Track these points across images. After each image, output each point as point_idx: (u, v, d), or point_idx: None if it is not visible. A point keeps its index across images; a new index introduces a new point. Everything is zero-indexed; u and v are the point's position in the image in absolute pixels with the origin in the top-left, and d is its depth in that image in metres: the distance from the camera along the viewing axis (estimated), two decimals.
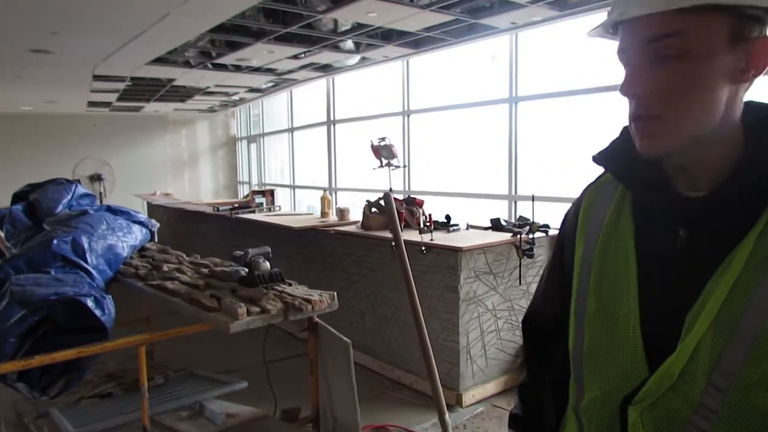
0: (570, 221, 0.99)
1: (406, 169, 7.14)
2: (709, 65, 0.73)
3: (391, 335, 4.07)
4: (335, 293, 2.53)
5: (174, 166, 12.81)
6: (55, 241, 2.82)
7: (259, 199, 7.82)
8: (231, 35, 5.98)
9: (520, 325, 1.13)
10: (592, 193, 0.96)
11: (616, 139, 0.92)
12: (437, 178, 7.18)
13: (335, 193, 9.02)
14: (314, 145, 9.73)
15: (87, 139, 11.44)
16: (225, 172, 13.49)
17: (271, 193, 8.47)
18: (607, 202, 0.92)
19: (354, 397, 2.48)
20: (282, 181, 11.24)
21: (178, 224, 7.39)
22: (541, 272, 3.91)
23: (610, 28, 0.82)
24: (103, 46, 6.01)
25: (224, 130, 13.45)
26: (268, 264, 2.64)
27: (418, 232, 3.66)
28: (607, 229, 0.89)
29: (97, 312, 2.41)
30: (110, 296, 2.58)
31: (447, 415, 2.56)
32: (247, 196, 9.72)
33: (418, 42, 6.34)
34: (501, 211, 5.97)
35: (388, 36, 6.20)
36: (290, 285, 2.68)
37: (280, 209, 6.46)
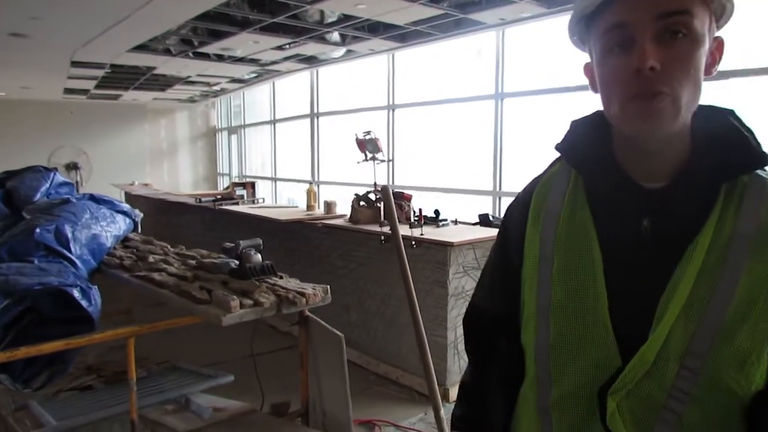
0: (517, 216, 0.97)
1: (391, 163, 7.12)
2: (703, 49, 0.78)
3: (377, 330, 4.05)
4: (328, 287, 2.50)
5: (152, 157, 12.59)
6: (37, 230, 2.73)
7: (239, 191, 7.73)
8: (216, 24, 5.88)
9: (462, 323, 1.10)
10: (543, 186, 0.95)
11: (574, 132, 0.94)
12: (421, 173, 7.18)
13: (318, 186, 8.96)
14: (297, 137, 9.65)
15: (63, 127, 11.17)
16: (204, 164, 13.30)
17: (252, 185, 8.36)
18: (560, 192, 0.92)
19: (346, 392, 2.46)
20: (263, 173, 11.13)
21: (159, 215, 7.26)
22: None
23: (592, 9, 0.82)
24: (84, 31, 5.86)
25: (204, 120, 13.26)
26: (259, 256, 2.59)
27: (408, 226, 3.63)
28: (565, 219, 0.88)
29: (84, 303, 2.34)
30: (96, 287, 2.51)
31: (442, 411, 2.55)
32: (228, 188, 9.60)
33: (404, 36, 6.31)
34: (484, 207, 5.98)
35: (374, 29, 6.16)
36: (281, 278, 2.64)
37: (263, 201, 6.39)
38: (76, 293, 2.33)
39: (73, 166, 9.66)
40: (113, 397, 3.09)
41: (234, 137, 12.37)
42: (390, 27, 5.98)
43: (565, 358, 0.85)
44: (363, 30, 6.17)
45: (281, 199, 10.35)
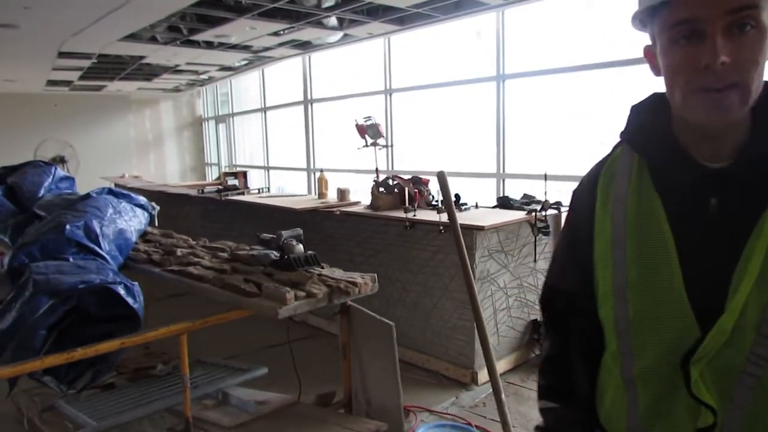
0: (585, 198, 1.01)
1: (390, 148, 7.07)
2: (767, 39, 0.81)
3: (400, 316, 4.04)
4: (375, 275, 2.47)
5: (138, 148, 12.32)
6: (68, 227, 2.65)
7: (231, 181, 7.61)
8: (213, 10, 5.74)
9: (539, 302, 1.17)
10: (608, 169, 0.99)
11: (635, 117, 0.98)
12: (422, 158, 7.14)
13: (313, 174, 8.88)
14: (289, 125, 9.52)
15: (47, 120, 10.80)
16: (191, 154, 13.06)
17: (244, 174, 8.24)
18: (625, 176, 0.95)
19: (397, 380, 2.45)
20: (252, 162, 10.98)
21: None
22: (545, 249, 3.93)
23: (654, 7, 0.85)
24: (75, 20, 5.67)
25: (190, 110, 13.01)
26: (301, 246, 2.55)
27: (436, 211, 3.58)
28: (633, 203, 0.92)
29: (129, 300, 2.28)
30: (137, 283, 2.45)
31: (503, 395, 2.54)
32: (219, 177, 9.46)
33: (403, 18, 6.22)
34: (488, 190, 5.97)
35: (373, 12, 6.07)
36: (323, 268, 2.61)
37: (269, 191, 6.31)
38: (121, 290, 2.27)
39: (59, 160, 9.45)
40: (143, 395, 3.03)
41: (222, 126, 12.18)
42: (389, 10, 5.89)
43: (646, 333, 0.90)
44: (361, 13, 6.08)
45: (272, 188, 10.24)
